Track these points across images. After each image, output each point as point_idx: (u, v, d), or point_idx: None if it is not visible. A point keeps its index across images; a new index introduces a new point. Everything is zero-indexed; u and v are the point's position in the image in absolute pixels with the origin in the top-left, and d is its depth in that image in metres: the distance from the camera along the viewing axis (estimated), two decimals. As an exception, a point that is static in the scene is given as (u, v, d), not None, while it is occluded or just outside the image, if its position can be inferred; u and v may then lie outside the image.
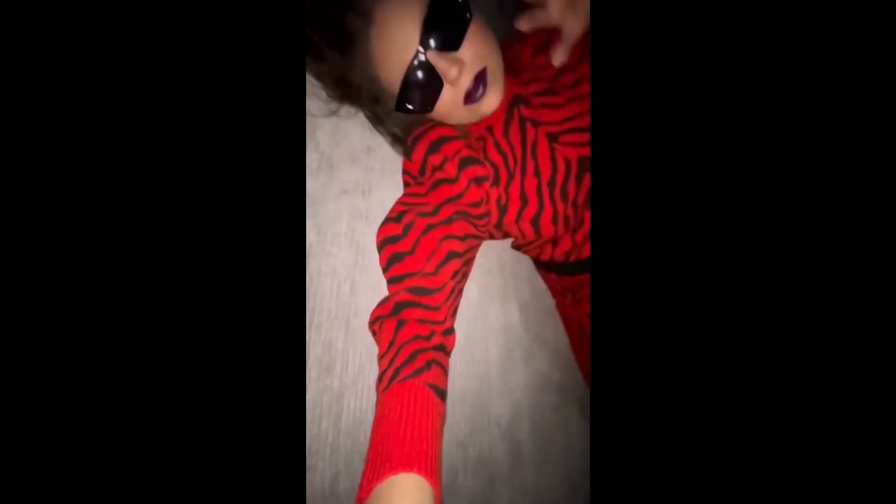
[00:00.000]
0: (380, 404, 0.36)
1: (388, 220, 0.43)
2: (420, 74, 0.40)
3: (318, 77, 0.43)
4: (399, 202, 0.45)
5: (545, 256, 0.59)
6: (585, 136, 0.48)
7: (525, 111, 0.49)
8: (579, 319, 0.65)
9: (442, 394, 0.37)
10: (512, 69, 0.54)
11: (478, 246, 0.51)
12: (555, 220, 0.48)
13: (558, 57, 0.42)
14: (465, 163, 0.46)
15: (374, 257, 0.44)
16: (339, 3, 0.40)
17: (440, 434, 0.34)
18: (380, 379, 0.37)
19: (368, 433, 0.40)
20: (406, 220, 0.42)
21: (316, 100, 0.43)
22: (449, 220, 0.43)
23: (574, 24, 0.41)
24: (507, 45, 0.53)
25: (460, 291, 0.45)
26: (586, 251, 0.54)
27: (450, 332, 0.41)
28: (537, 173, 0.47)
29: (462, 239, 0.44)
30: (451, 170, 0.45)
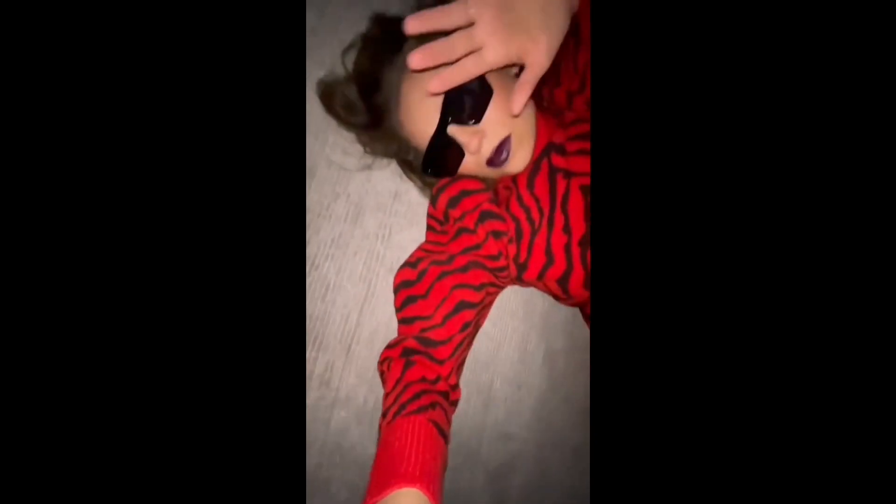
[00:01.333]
0: (383, 437, 0.36)
1: (406, 264, 0.46)
2: (442, 145, 0.42)
3: (357, 140, 0.50)
4: (420, 248, 0.48)
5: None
6: None
7: (557, 160, 0.46)
8: None
9: (444, 435, 0.37)
10: (555, 109, 0.50)
11: (497, 293, 0.51)
12: (587, 285, 0.44)
13: (517, 101, 0.37)
14: (483, 216, 0.46)
15: (381, 296, 0.50)
16: (370, 86, 0.46)
17: (442, 466, 0.35)
18: (384, 415, 0.38)
19: (351, 437, 0.48)
20: (421, 266, 0.44)
21: (350, 157, 0.50)
22: (464, 269, 0.44)
23: (536, 58, 0.35)
24: (553, 78, 0.49)
25: (469, 343, 0.45)
26: None
27: (455, 386, 0.42)
28: (567, 230, 0.44)
29: (477, 288, 0.44)
30: (469, 222, 0.46)
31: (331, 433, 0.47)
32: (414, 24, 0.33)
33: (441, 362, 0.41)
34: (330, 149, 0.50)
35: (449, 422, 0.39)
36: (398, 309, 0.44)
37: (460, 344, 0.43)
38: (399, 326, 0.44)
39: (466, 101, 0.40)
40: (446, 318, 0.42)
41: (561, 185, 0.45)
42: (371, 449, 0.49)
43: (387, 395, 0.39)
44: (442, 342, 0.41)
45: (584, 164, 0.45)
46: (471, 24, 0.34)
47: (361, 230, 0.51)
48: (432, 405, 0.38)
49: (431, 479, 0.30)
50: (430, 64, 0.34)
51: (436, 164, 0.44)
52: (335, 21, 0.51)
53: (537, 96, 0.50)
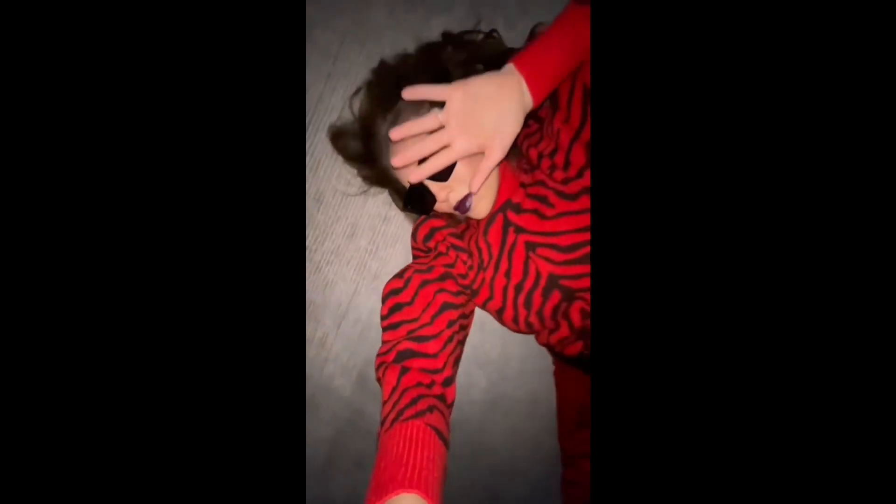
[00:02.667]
0: (381, 443, 0.37)
1: (394, 276, 0.52)
2: (420, 190, 0.50)
3: (358, 173, 0.62)
4: (407, 266, 0.55)
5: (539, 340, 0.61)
6: (562, 256, 0.50)
7: (511, 216, 0.53)
8: (576, 399, 0.63)
9: (443, 438, 0.39)
10: (528, 164, 0.54)
11: (472, 303, 0.57)
12: (515, 321, 0.53)
13: (476, 182, 0.46)
14: (452, 246, 0.55)
15: (365, 294, 0.67)
16: (370, 130, 0.54)
17: (442, 468, 0.36)
18: (382, 423, 0.40)
19: (336, 382, 0.70)
20: (406, 275, 0.51)
21: (352, 186, 0.63)
22: (441, 278, 0.51)
23: (492, 151, 0.43)
24: (537, 136, 0.54)
25: (460, 342, 0.50)
26: (568, 350, 0.57)
27: (450, 381, 0.45)
28: (508, 275, 0.52)
29: (455, 294, 0.50)
30: (443, 248, 0.56)
31: (323, 377, 0.70)
32: (397, 133, 0.44)
33: (434, 356, 0.44)
34: (336, 180, 0.63)
35: (448, 425, 0.41)
36: (385, 316, 0.49)
37: (450, 339, 0.47)
38: (385, 334, 0.48)
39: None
40: (434, 317, 0.47)
41: (511, 237, 0.53)
42: (348, 391, 0.71)
43: (384, 403, 0.42)
44: (433, 336, 0.46)
45: (533, 223, 0.52)
46: (441, 128, 0.43)
47: (355, 245, 0.66)
48: (430, 409, 0.39)
49: (430, 484, 0.31)
50: (410, 162, 0.44)
51: (414, 204, 0.54)
52: (347, 66, 0.60)
53: (514, 150, 0.55)
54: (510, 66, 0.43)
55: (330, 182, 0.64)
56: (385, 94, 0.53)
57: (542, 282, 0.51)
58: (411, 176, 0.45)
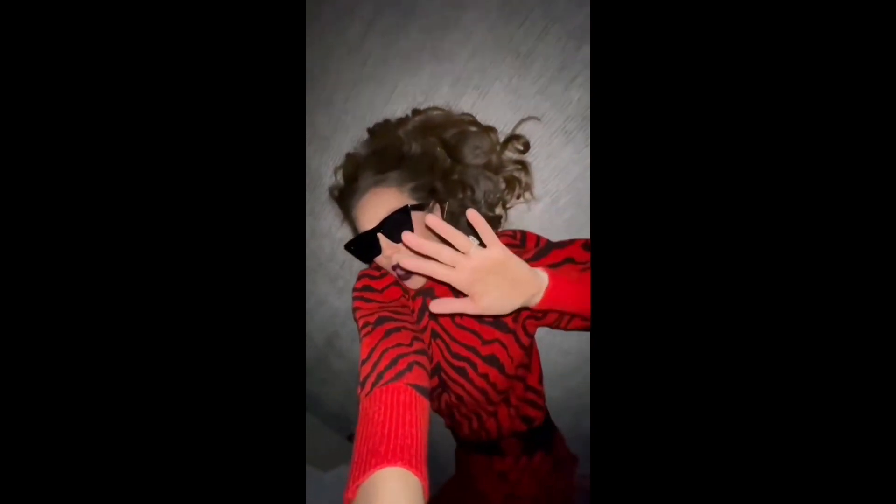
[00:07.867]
0: (363, 409, 0.37)
1: (369, 268, 0.60)
2: (369, 239, 0.54)
3: (339, 207, 0.79)
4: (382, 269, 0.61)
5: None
6: (448, 355, 0.58)
7: (430, 302, 0.56)
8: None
9: (425, 392, 0.39)
10: None
11: None
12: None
13: (445, 309, 0.45)
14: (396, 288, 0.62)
15: (331, 295, 0.95)
16: (348, 186, 0.61)
17: (425, 428, 0.36)
18: (362, 385, 0.40)
19: (314, 336, 1.05)
20: (382, 271, 0.58)
21: (332, 226, 0.86)
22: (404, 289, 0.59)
23: (475, 305, 0.41)
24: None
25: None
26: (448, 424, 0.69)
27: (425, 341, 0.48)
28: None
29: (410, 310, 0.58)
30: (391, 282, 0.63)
31: (319, 345, 1.05)
32: (411, 241, 0.39)
33: (414, 323, 0.49)
34: (323, 221, 0.86)
35: (428, 374, 0.41)
36: (358, 289, 0.55)
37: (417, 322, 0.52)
38: (356, 303, 0.54)
39: (397, 228, 0.53)
40: (402, 306, 0.54)
41: (425, 319, 0.62)
42: (320, 344, 1.05)
43: (363, 363, 0.42)
44: (405, 313, 0.51)
45: (443, 317, 0.60)
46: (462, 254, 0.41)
47: (332, 264, 0.91)
48: (409, 367, 0.40)
49: (413, 453, 0.31)
50: (417, 249, 0.39)
51: (358, 249, 0.57)
52: (339, 145, 0.76)
53: None
54: (545, 275, 0.41)
55: (319, 222, 0.87)
56: (365, 161, 0.61)
57: (431, 366, 0.58)
58: (403, 261, 0.42)
